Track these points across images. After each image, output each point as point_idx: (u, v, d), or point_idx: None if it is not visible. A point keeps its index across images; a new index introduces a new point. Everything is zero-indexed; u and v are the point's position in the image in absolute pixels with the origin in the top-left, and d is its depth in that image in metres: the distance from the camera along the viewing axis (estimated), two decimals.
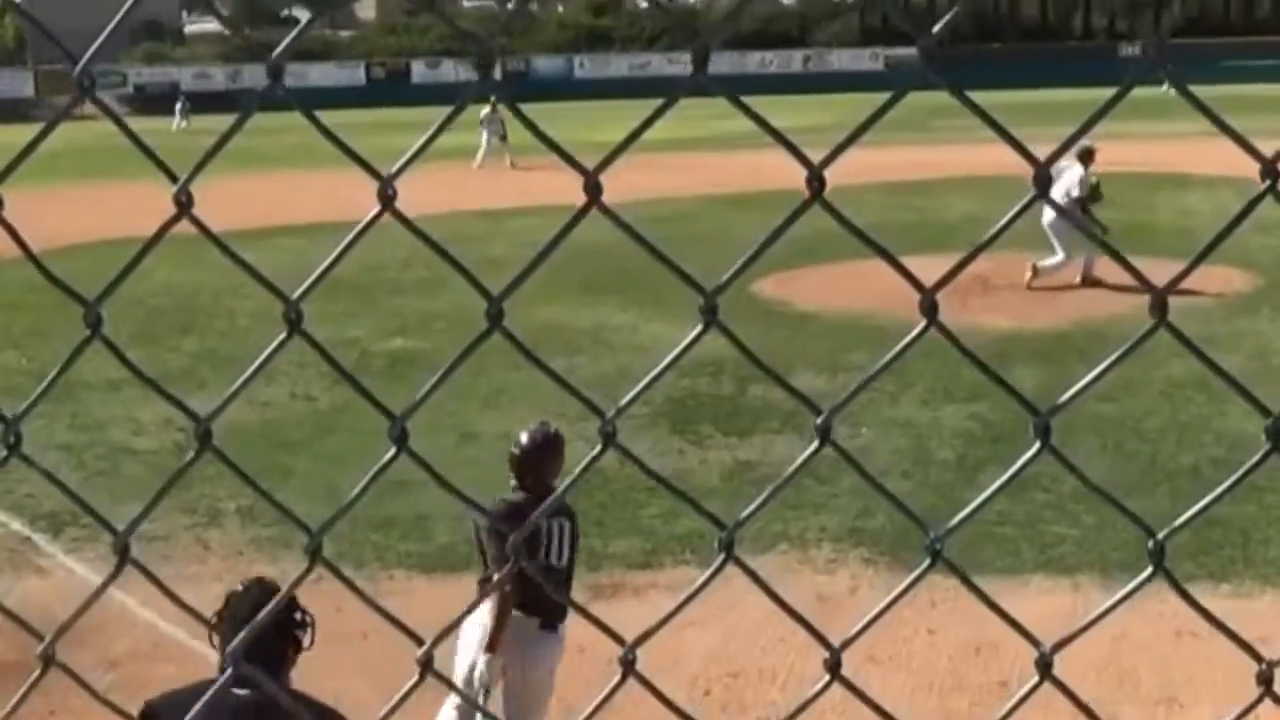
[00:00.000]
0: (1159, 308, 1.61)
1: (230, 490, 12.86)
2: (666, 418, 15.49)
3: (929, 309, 1.59)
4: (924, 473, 13.82)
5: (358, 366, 16.91)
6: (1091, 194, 21.39)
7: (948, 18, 1.71)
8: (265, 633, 4.43)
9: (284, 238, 23.77)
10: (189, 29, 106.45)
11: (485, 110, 42.41)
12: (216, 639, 5.02)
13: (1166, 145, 37.20)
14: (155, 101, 75.21)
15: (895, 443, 14.72)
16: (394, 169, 1.60)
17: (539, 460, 8.03)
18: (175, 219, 1.63)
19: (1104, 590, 10.41)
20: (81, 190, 36.12)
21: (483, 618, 7.92)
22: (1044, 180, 1.59)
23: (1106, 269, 21.03)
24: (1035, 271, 21.61)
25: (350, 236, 1.61)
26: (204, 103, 67.29)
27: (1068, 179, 21.11)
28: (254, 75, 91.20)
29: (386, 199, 1.60)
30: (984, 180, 26.40)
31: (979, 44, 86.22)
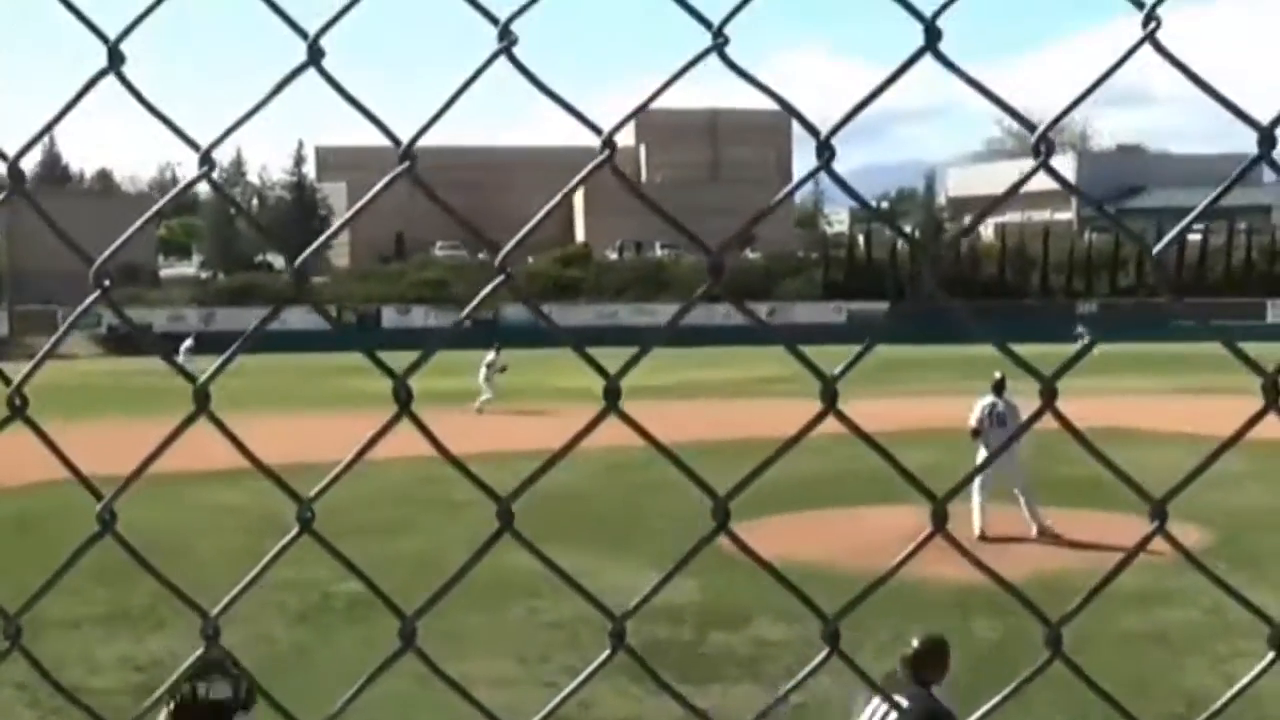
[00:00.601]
0: (1159, 517, 1.62)
1: None
2: (625, 664, 15.28)
3: (939, 518, 1.60)
4: None
5: (319, 607, 16.71)
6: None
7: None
8: None
9: (253, 479, 23.64)
10: (164, 273, 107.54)
11: (490, 355, 43.19)
12: None
13: (1119, 401, 37.64)
14: (127, 342, 75.54)
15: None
16: (407, 369, 1.63)
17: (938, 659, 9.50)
18: (194, 416, 1.65)
19: None
20: (48, 428, 36.01)
21: None
22: (1051, 393, 1.63)
23: (1066, 524, 21.01)
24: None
25: (370, 437, 1.63)
26: (175, 344, 67.58)
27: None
28: (228, 318, 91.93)
29: (402, 401, 1.63)
30: (938, 432, 26.61)
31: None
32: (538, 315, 2.06)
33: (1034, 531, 21.76)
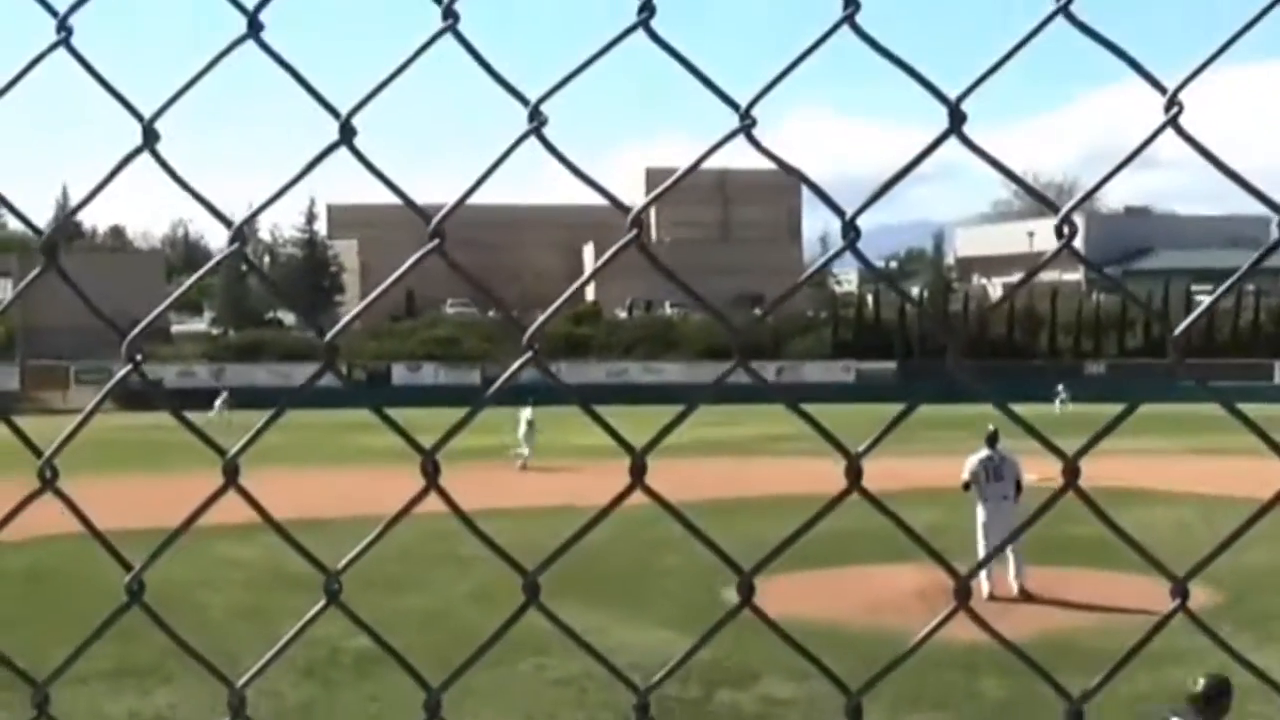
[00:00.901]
0: (1180, 595, 1.63)
1: None
2: None
3: (963, 594, 1.60)
4: None
5: (327, 662, 16.66)
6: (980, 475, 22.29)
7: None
8: None
9: (263, 534, 23.61)
10: (175, 328, 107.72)
11: (528, 412, 43.81)
12: None
13: (1129, 461, 37.53)
14: (140, 397, 75.56)
15: None
16: (435, 444, 1.65)
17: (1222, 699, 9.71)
18: (222, 489, 1.67)
19: None
20: (64, 484, 35.98)
21: None
22: (1074, 472, 1.63)
23: (1058, 581, 20.88)
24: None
25: (397, 511, 1.65)
26: (186, 399, 67.62)
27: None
28: (237, 373, 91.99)
29: (430, 475, 1.65)
30: (945, 491, 26.53)
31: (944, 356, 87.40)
32: (567, 390, 2.07)
33: (1015, 590, 21.48)
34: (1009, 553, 21.24)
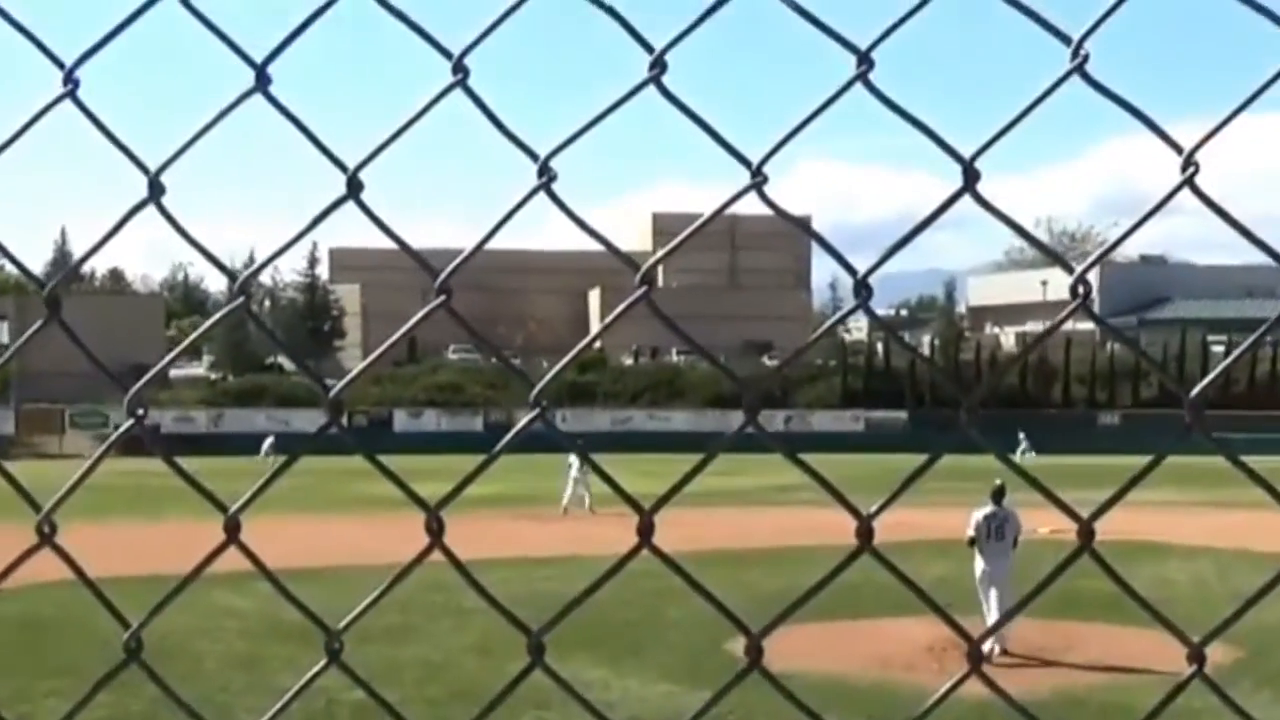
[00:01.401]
0: (1197, 660, 1.63)
1: None
2: None
3: (975, 659, 1.61)
4: None
5: (324, 714, 16.60)
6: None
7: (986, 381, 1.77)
8: None
9: (256, 583, 23.57)
10: (174, 373, 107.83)
11: (574, 460, 44.50)
12: None
13: (1144, 514, 37.42)
14: (134, 442, 75.50)
15: None
16: (439, 501, 1.65)
17: None
18: (223, 546, 1.67)
19: None
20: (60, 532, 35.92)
21: None
22: (1089, 534, 1.63)
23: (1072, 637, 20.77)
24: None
25: (401, 569, 1.65)
26: (181, 445, 67.61)
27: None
28: (235, 419, 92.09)
29: (435, 533, 1.65)
30: (956, 545, 26.48)
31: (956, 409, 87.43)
32: (572, 444, 2.09)
33: (997, 650, 20.40)
34: (993, 606, 20.70)
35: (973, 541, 22.37)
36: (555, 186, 1.92)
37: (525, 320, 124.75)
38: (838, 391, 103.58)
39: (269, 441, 67.42)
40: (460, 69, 1.94)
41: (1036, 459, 66.46)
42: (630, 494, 1.85)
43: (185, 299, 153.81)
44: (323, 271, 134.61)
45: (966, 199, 1.80)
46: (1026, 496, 2.23)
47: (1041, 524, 21.98)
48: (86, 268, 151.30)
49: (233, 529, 1.70)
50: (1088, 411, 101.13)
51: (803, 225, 1.99)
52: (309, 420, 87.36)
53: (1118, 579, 1.81)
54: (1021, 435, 74.08)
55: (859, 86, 1.83)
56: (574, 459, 44.72)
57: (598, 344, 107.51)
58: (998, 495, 22.20)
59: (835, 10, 1.89)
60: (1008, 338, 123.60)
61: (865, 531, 1.65)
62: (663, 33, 1.89)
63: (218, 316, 2.35)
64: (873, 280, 1.84)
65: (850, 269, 1.86)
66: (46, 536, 1.84)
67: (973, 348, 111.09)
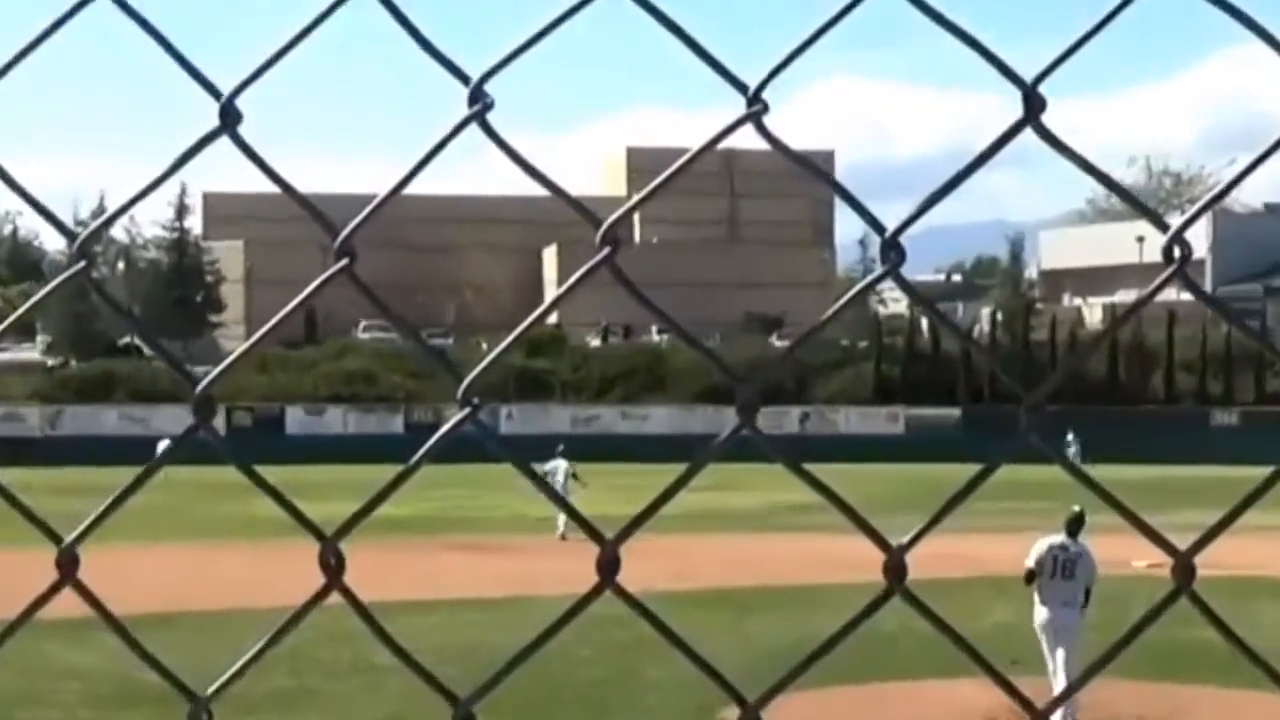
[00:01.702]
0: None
1: None
2: None
3: None
4: None
5: None
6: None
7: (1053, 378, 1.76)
8: None
9: (105, 634, 23.43)
10: None
11: (559, 464, 46.58)
12: None
13: (1262, 541, 37.48)
14: None
15: None
16: (337, 530, 1.63)
17: None
18: (56, 587, 1.66)
19: None
20: None
21: None
22: (1187, 571, 1.62)
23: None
24: None
25: (289, 618, 1.64)
26: (6, 452, 67.15)
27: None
28: (79, 419, 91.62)
29: (333, 570, 1.65)
30: (1016, 580, 26.50)
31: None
32: (509, 457, 2.05)
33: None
34: (1059, 668, 20.52)
35: (1031, 577, 21.68)
36: (503, 115, 1.91)
37: (459, 288, 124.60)
38: (870, 382, 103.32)
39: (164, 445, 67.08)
40: None
41: (1106, 468, 65.68)
42: (587, 518, 1.84)
43: (12, 260, 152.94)
44: (195, 224, 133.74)
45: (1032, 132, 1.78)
46: (1109, 520, 2.24)
47: (1136, 556, 22.00)
48: None
49: (68, 564, 1.69)
50: (1198, 408, 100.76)
51: (811, 166, 1.97)
52: (174, 419, 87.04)
53: (1225, 630, 1.82)
54: (1070, 435, 72.77)
55: None
56: (560, 464, 46.31)
57: (552, 318, 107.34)
58: (1074, 525, 21.56)
59: None
60: (1092, 311, 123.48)
61: (897, 567, 1.64)
62: None
63: (53, 285, 2.34)
64: (918, 235, 1.83)
65: (876, 224, 1.83)
66: None
67: (1046, 324, 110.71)
